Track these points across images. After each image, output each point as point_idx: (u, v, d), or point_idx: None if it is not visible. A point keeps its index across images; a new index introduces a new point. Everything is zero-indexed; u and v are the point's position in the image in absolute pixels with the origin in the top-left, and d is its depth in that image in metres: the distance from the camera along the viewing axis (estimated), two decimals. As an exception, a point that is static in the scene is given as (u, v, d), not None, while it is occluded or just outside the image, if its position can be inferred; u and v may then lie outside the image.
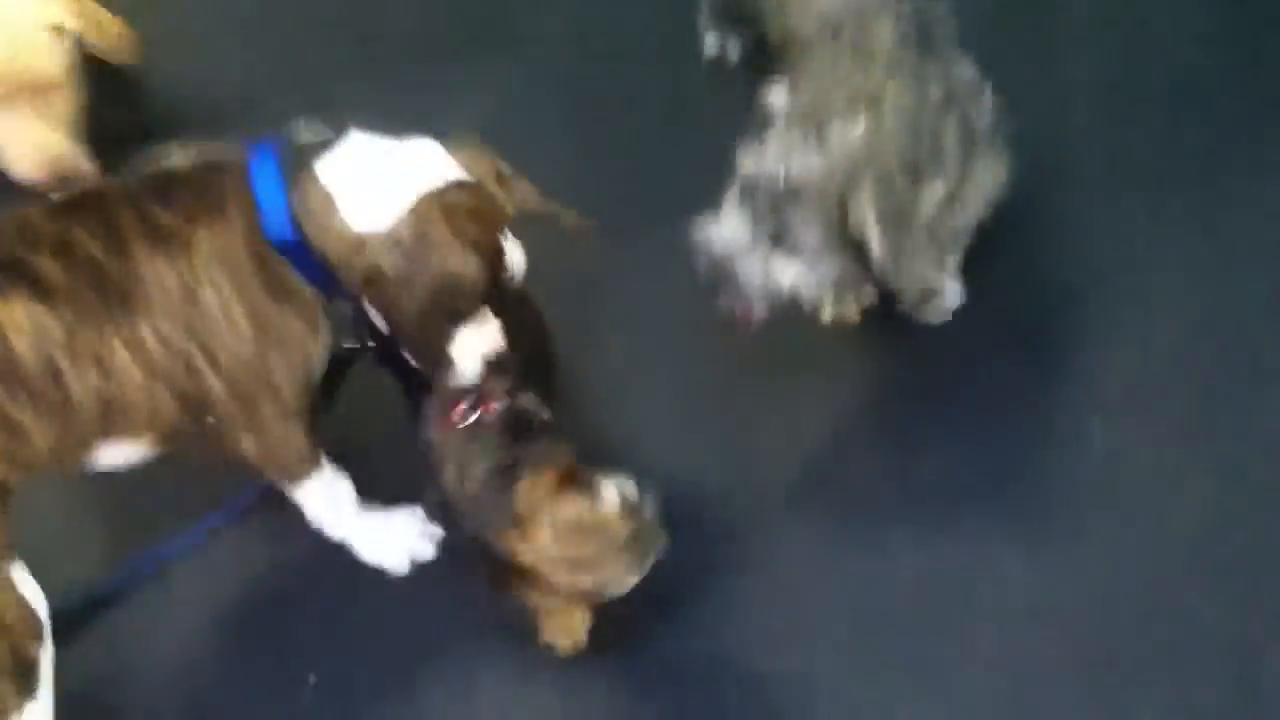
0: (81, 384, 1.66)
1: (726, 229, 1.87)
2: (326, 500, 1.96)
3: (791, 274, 1.88)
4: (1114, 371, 2.10)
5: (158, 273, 1.66)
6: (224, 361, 1.71)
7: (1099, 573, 1.91)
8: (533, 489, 1.70)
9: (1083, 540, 1.94)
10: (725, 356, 2.13)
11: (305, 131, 1.76)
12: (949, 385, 2.12)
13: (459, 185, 1.71)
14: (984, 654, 1.86)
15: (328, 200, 1.69)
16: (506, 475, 1.72)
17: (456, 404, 1.79)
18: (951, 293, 2.16)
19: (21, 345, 1.62)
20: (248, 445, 1.82)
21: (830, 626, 1.92)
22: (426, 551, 2.03)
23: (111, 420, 1.71)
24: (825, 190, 1.82)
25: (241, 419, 1.77)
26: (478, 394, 1.80)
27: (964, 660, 1.86)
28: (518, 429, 1.78)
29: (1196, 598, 1.87)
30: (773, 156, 1.84)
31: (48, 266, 1.63)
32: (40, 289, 1.63)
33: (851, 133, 1.83)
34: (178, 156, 1.74)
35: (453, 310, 1.74)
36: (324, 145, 1.71)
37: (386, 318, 1.79)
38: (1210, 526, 1.92)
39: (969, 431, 2.06)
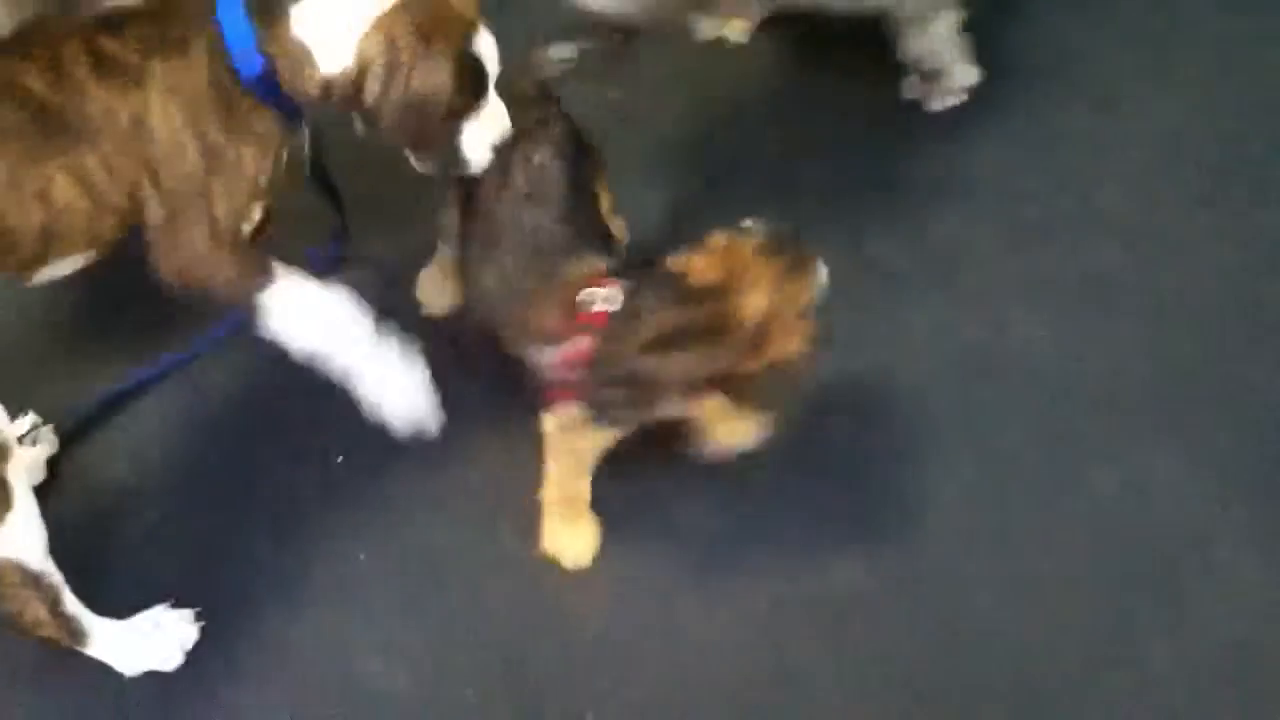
0: (23, 219, 1.69)
1: None
2: (301, 317, 1.84)
3: None
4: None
5: (107, 105, 1.68)
6: (165, 182, 1.73)
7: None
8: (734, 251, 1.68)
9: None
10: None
11: None
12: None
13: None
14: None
15: (296, 42, 1.72)
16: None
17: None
18: (964, 73, 2.16)
19: None
20: (176, 261, 1.80)
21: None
22: (431, 408, 1.92)
23: (51, 245, 1.74)
24: None
25: (170, 233, 1.78)
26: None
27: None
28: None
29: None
30: None
31: None
32: None
33: None
34: None
35: (442, 116, 1.75)
36: None
37: (381, 132, 1.80)
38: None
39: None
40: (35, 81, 1.66)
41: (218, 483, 2.01)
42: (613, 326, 1.71)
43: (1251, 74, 2.32)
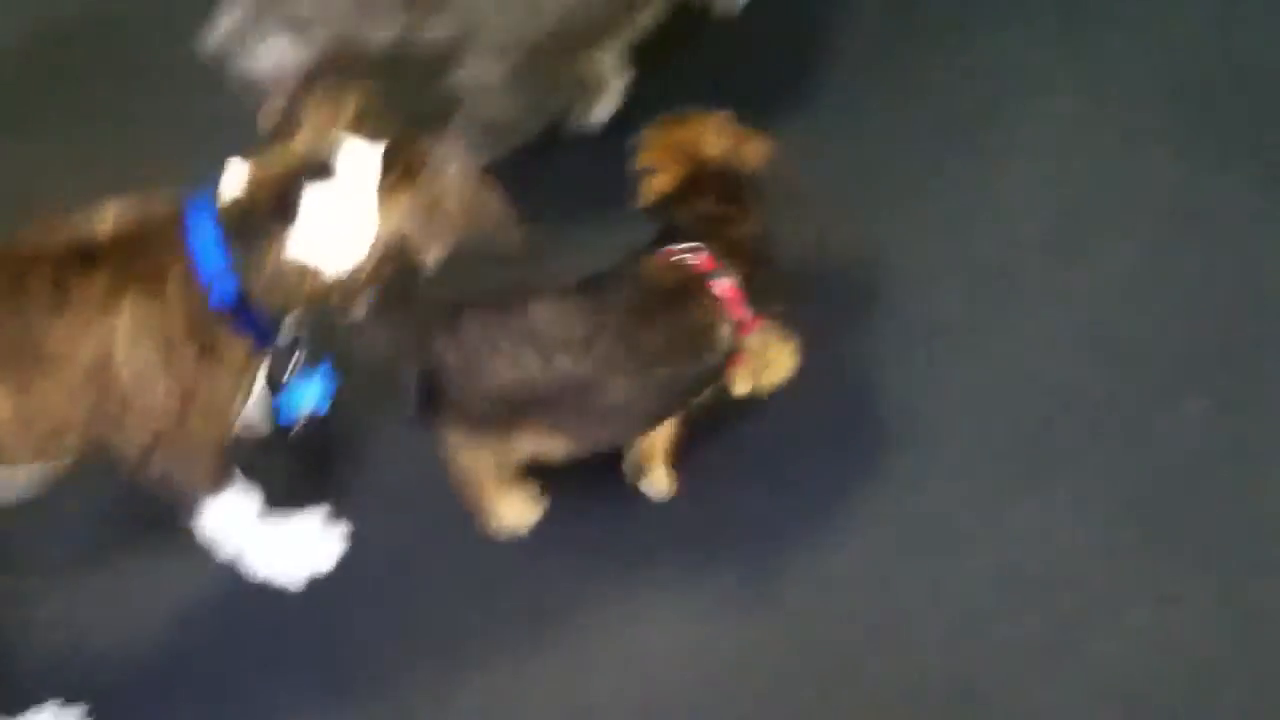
0: None
1: (228, 21, 1.98)
2: (226, 518, 1.92)
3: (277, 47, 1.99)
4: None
5: (68, 343, 1.64)
6: (136, 418, 1.71)
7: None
8: None
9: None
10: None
11: (231, 177, 1.71)
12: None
13: (387, 155, 1.70)
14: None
15: (294, 265, 1.68)
16: None
17: None
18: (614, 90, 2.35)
19: None
20: (148, 478, 1.82)
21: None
22: (328, 561, 2.01)
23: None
24: None
25: (158, 453, 1.78)
26: None
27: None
28: None
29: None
30: None
31: None
32: None
33: None
34: (111, 213, 1.71)
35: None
36: (271, 209, 1.67)
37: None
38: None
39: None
40: None
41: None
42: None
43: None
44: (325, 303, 1.74)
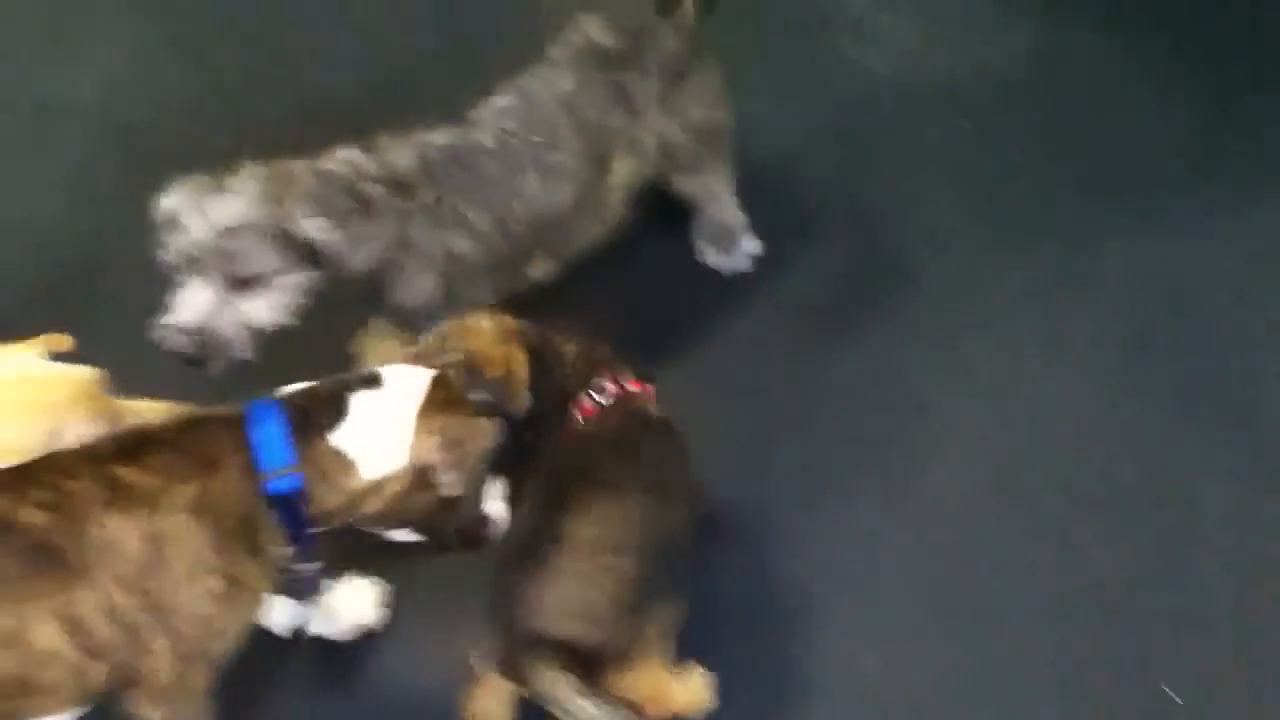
0: None
1: (190, 304, 2.03)
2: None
3: (263, 304, 2.06)
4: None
5: (114, 536, 1.59)
6: (176, 625, 1.65)
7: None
8: None
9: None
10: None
11: (292, 390, 1.80)
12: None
13: (434, 383, 1.82)
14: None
15: (339, 457, 1.74)
16: None
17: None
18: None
19: None
20: (153, 700, 1.74)
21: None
22: (376, 617, 2.14)
23: (23, 700, 1.62)
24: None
25: (168, 680, 1.70)
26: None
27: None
28: None
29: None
30: (186, 217, 2.01)
31: None
32: None
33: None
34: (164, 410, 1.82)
35: (484, 475, 1.86)
36: (325, 405, 1.77)
37: (407, 525, 1.88)
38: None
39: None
40: (35, 517, 1.57)
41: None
42: None
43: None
44: (361, 508, 1.80)
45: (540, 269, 2.41)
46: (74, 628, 1.57)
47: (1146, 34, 3.19)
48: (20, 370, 1.91)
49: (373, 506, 1.79)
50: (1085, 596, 2.27)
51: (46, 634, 1.56)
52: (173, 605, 1.63)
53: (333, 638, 2.17)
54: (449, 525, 1.87)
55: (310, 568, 1.84)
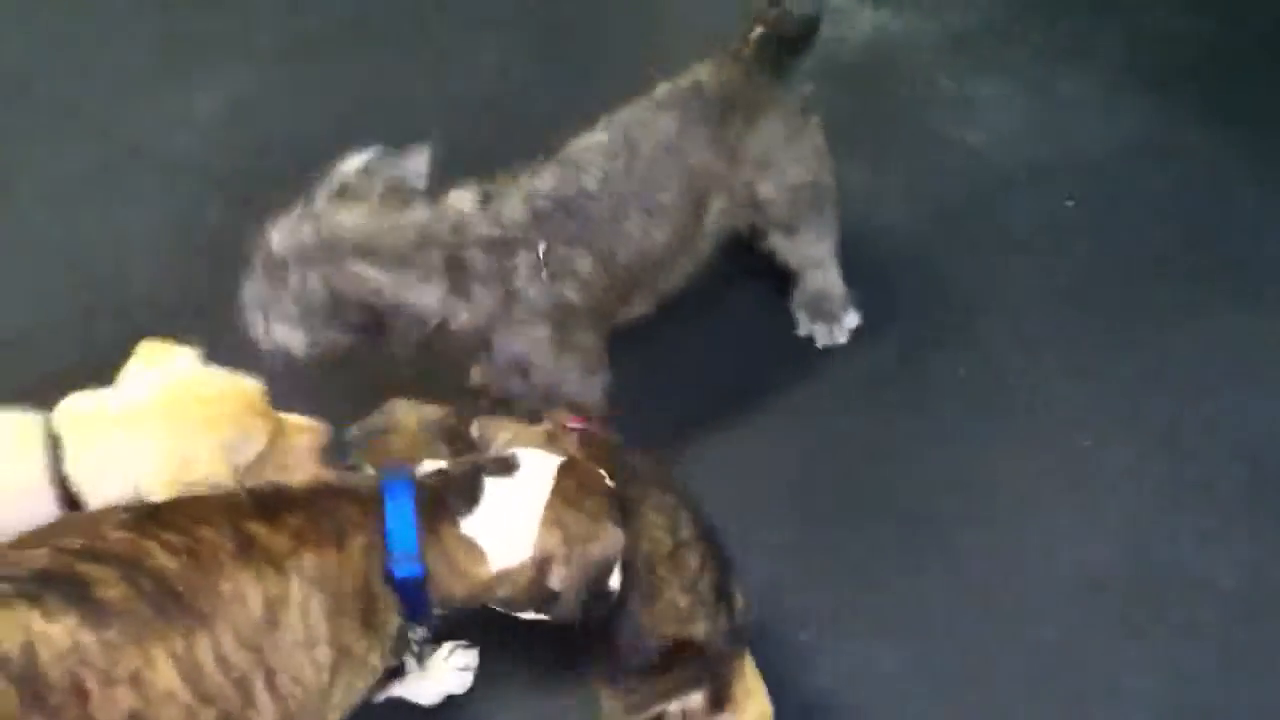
0: (108, 706, 1.59)
1: (250, 290, 2.13)
2: None
3: (283, 332, 2.12)
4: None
5: (239, 590, 1.62)
6: (282, 686, 1.66)
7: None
8: None
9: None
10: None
11: (430, 465, 1.82)
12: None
13: (562, 470, 1.80)
14: None
15: (468, 546, 1.75)
16: None
17: None
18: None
19: (49, 661, 1.56)
20: None
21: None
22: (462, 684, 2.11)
23: None
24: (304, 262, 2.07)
25: None
26: None
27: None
28: None
29: None
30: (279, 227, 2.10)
31: (107, 586, 1.59)
32: (89, 610, 1.58)
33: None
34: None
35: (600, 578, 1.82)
36: (458, 489, 1.77)
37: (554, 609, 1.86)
38: None
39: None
40: (166, 560, 1.61)
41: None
42: None
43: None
44: (486, 596, 1.80)
45: (638, 308, 2.42)
46: (190, 673, 1.61)
47: (1261, 129, 3.14)
48: (193, 377, 1.91)
49: (500, 593, 1.79)
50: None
51: (166, 675, 1.60)
52: (281, 667, 1.65)
53: (415, 700, 2.12)
54: (571, 613, 1.84)
55: (423, 637, 1.82)
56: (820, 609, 2.29)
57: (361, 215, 2.08)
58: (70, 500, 1.81)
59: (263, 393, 1.94)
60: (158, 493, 1.78)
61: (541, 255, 2.18)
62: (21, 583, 1.57)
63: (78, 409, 1.87)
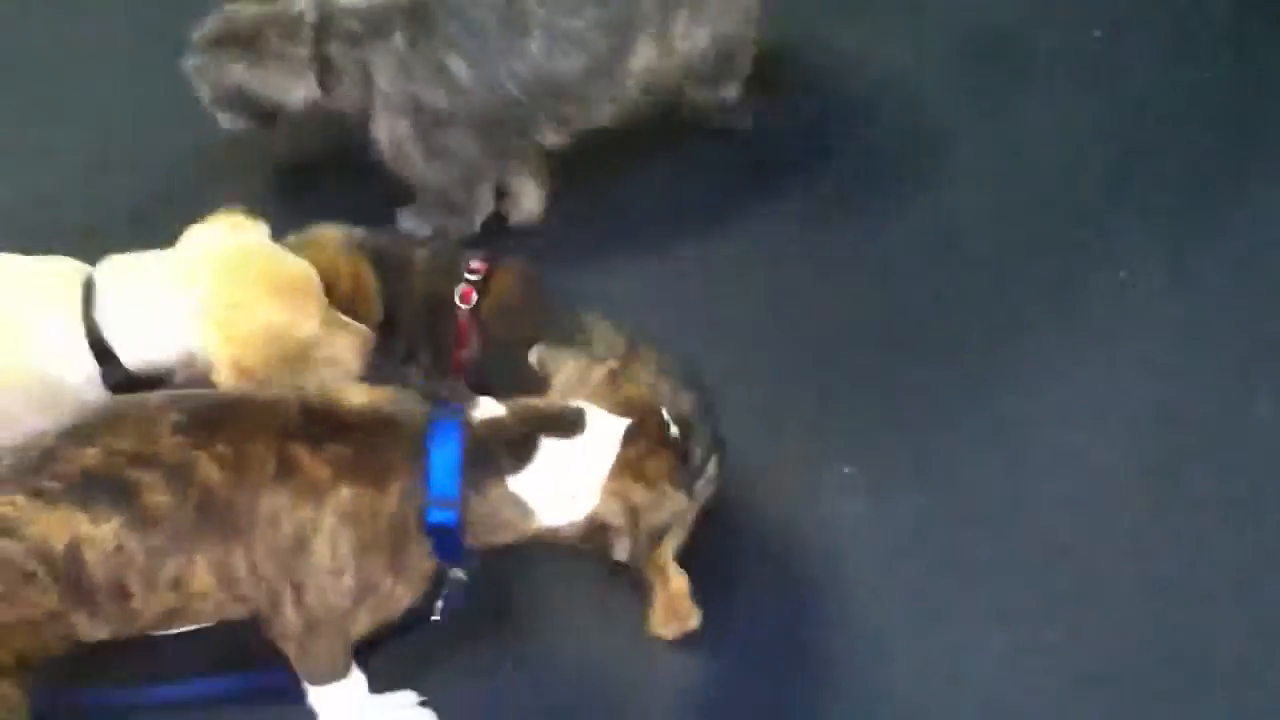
0: (149, 602, 1.68)
1: (189, 68, 2.38)
2: (338, 699, 1.89)
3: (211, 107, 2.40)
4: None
5: (275, 512, 1.65)
6: (309, 601, 1.71)
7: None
8: None
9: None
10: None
11: (481, 409, 1.73)
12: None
13: (628, 436, 1.73)
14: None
15: (515, 503, 1.71)
16: None
17: None
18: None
19: (94, 561, 1.62)
20: (292, 651, 1.80)
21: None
22: None
23: (171, 621, 1.74)
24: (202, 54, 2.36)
25: (298, 641, 1.77)
26: None
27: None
28: None
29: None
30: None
31: (155, 493, 1.62)
32: (137, 516, 1.62)
33: None
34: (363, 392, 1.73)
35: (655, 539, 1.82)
36: (510, 443, 1.71)
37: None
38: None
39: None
40: (212, 471, 1.63)
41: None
42: None
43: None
44: (528, 540, 1.77)
45: (550, 137, 2.42)
46: (225, 577, 1.68)
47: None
48: (256, 245, 1.87)
49: (542, 539, 1.78)
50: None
51: (203, 579, 1.67)
52: (307, 584, 1.69)
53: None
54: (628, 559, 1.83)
55: (461, 577, 1.82)
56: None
57: (250, 7, 2.31)
58: (101, 349, 1.81)
59: (320, 283, 1.89)
60: (197, 345, 1.81)
61: (404, 47, 2.28)
62: (71, 482, 1.62)
63: (122, 259, 1.86)
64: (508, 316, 2.04)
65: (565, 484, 1.72)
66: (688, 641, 1.98)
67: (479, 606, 1.88)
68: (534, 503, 1.72)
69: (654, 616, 1.97)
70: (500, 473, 1.70)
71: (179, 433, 1.64)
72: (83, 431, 1.66)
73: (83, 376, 1.82)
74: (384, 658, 1.89)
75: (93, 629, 1.70)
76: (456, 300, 2.03)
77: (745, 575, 2.08)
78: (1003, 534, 2.13)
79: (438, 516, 1.68)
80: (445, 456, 1.67)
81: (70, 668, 1.83)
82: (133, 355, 1.83)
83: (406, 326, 2.06)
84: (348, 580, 1.69)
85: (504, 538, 1.75)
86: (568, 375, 1.84)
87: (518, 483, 1.70)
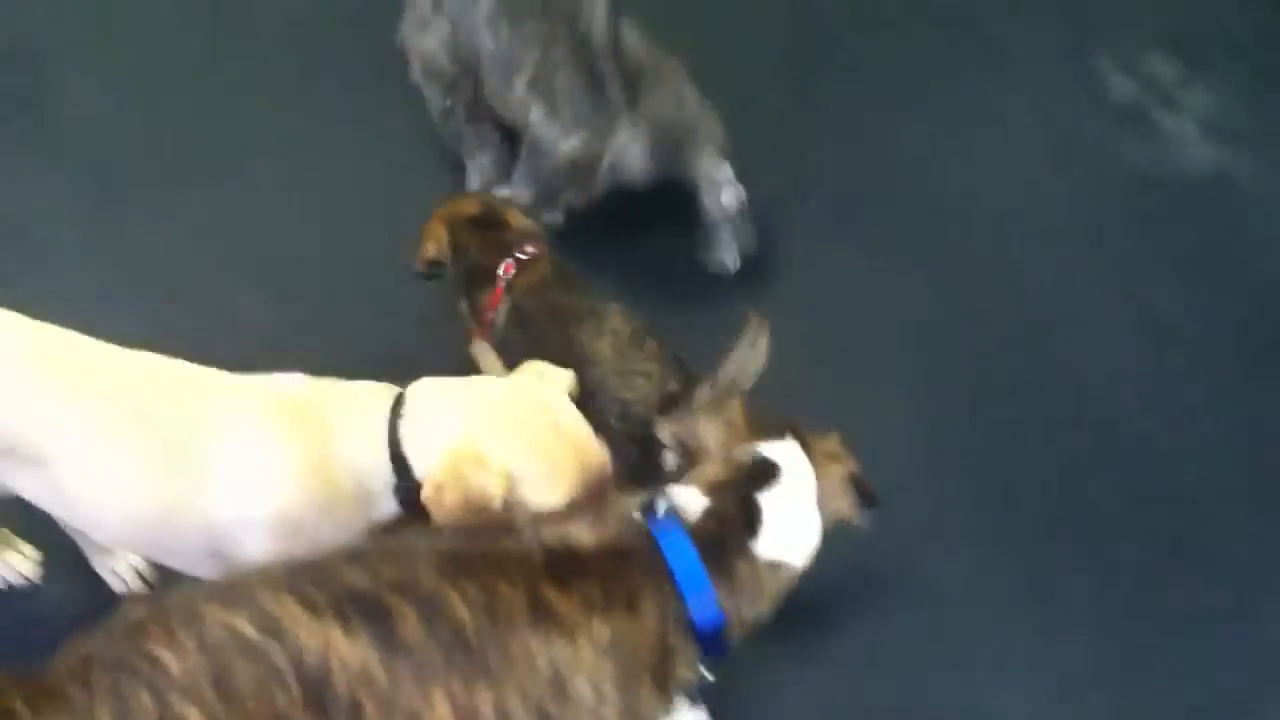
0: None
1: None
2: None
3: None
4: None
5: (530, 652, 1.65)
6: None
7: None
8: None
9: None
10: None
11: (678, 497, 1.78)
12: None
13: (806, 451, 1.84)
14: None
15: (769, 566, 1.77)
16: None
17: None
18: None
19: (338, 676, 1.61)
20: None
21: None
22: None
23: None
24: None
25: None
26: None
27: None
28: None
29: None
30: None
31: (407, 624, 1.63)
32: (388, 640, 1.62)
33: None
34: (587, 529, 1.74)
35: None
36: (737, 521, 1.76)
37: None
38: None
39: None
40: (463, 609, 1.64)
41: None
42: None
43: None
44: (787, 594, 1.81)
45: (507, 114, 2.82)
46: (465, 717, 1.66)
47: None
48: (550, 401, 1.91)
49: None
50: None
51: (442, 713, 1.65)
52: None
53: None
54: None
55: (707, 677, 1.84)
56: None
57: None
58: (399, 462, 1.85)
59: (603, 466, 1.90)
60: (437, 471, 1.82)
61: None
62: (337, 596, 1.64)
63: (433, 381, 1.92)
64: (535, 294, 2.38)
65: (798, 522, 1.79)
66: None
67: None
68: (784, 555, 1.78)
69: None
70: (741, 548, 1.76)
71: (434, 568, 1.66)
72: (353, 552, 1.72)
73: (380, 484, 1.86)
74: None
75: None
76: (500, 271, 2.42)
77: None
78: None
79: (704, 615, 1.71)
80: (684, 561, 1.71)
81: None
82: (424, 468, 1.85)
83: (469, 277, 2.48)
84: (608, 713, 1.69)
85: (768, 605, 1.79)
86: (714, 433, 1.90)
87: (763, 546, 1.76)
